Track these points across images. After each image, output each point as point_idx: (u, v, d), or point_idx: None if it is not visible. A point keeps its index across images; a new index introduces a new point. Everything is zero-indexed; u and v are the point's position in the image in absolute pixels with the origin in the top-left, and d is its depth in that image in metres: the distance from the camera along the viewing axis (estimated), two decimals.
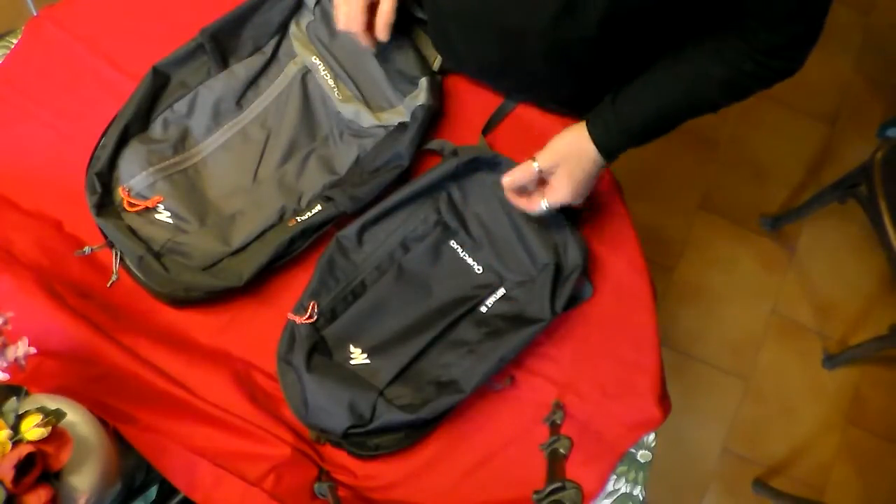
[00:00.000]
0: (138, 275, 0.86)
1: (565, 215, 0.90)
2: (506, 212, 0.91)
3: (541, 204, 0.85)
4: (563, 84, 0.94)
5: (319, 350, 0.86)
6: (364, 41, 0.91)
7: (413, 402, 0.85)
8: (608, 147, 0.84)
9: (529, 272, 0.90)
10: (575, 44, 0.83)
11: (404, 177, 0.95)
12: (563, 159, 0.84)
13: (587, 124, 0.84)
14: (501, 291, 0.90)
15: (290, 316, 0.87)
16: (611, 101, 0.84)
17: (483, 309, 0.90)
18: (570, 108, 0.98)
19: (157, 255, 0.87)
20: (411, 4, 0.98)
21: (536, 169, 0.84)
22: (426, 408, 0.83)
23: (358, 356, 0.87)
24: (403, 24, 0.99)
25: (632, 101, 0.83)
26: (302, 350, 0.85)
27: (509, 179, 0.86)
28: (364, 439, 0.85)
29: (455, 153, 0.92)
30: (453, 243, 0.92)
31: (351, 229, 0.90)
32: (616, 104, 0.84)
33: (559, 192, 0.84)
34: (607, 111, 0.84)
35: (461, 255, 0.91)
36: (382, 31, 0.89)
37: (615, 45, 0.83)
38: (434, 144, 0.95)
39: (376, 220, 0.91)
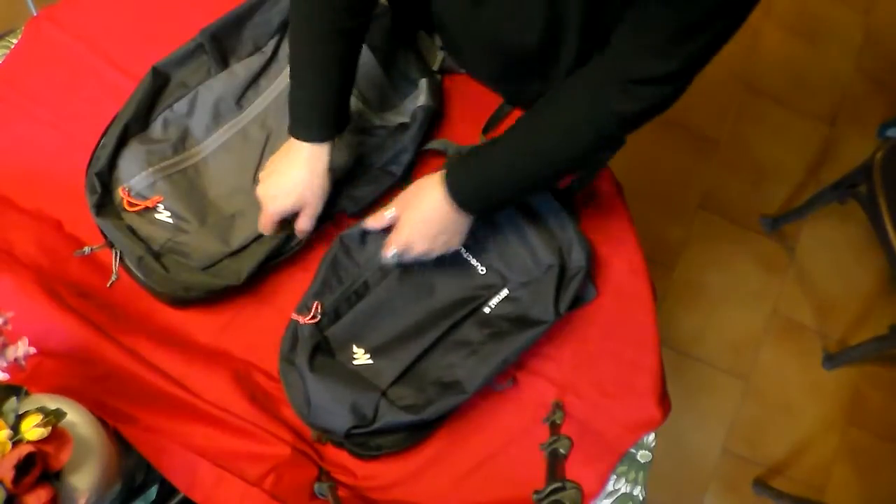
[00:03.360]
0: (138, 275, 0.86)
1: (567, 213, 0.90)
2: (509, 213, 0.91)
3: (389, 249, 0.84)
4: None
5: (322, 350, 0.86)
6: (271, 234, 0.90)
7: (416, 402, 0.85)
8: (458, 190, 0.80)
9: (533, 273, 0.90)
10: (564, 54, 0.82)
11: (406, 177, 0.95)
12: (406, 203, 0.84)
13: (444, 169, 0.82)
14: (505, 292, 0.90)
15: (294, 316, 0.87)
16: (474, 150, 0.82)
17: (486, 310, 0.90)
18: None
19: (157, 255, 0.87)
20: (412, 6, 0.98)
21: (388, 217, 0.85)
22: (429, 409, 0.83)
23: (361, 356, 0.87)
24: (404, 26, 0.99)
25: (488, 151, 0.80)
26: (305, 350, 0.85)
27: (369, 225, 0.87)
28: (366, 439, 0.85)
29: (459, 154, 0.92)
30: None
31: (354, 230, 0.90)
32: (479, 152, 0.81)
33: (400, 235, 0.83)
34: (467, 158, 0.81)
35: (464, 255, 0.91)
36: (300, 234, 0.89)
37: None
38: (437, 144, 0.95)
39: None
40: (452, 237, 0.84)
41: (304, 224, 0.88)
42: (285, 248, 0.89)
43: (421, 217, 0.82)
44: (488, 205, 0.83)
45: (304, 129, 0.83)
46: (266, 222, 0.87)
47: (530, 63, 0.85)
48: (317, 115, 0.83)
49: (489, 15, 0.80)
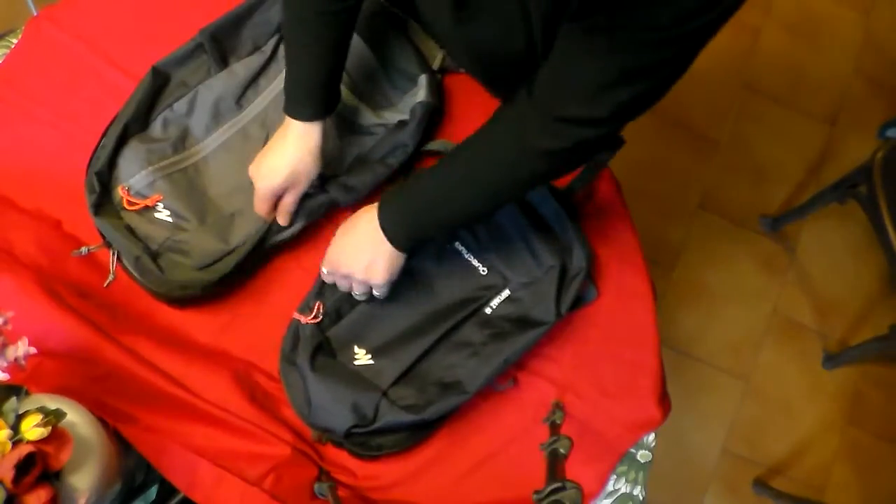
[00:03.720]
0: (135, 274, 0.86)
1: (567, 213, 0.90)
2: (511, 213, 0.91)
3: (322, 265, 0.86)
4: None
5: (324, 350, 0.86)
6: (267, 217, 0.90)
7: (416, 402, 0.85)
8: (388, 221, 0.79)
9: (534, 273, 0.90)
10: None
11: (404, 170, 0.95)
12: (345, 225, 0.84)
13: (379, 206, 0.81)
14: (506, 293, 0.90)
15: (296, 316, 0.87)
16: (405, 183, 0.81)
17: (488, 310, 0.90)
18: None
19: (156, 255, 0.87)
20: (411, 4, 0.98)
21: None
22: (430, 409, 0.83)
23: (362, 357, 0.87)
24: (403, 23, 0.99)
25: (416, 185, 0.79)
26: (306, 350, 0.85)
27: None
28: (366, 439, 0.85)
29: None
30: (458, 244, 0.92)
31: None
32: (408, 186, 0.80)
33: (330, 253, 0.85)
34: (397, 191, 0.80)
35: (466, 256, 0.91)
36: (282, 218, 0.89)
37: None
38: (437, 145, 0.95)
39: None
40: (376, 267, 0.82)
41: (288, 200, 0.88)
42: (276, 235, 0.89)
43: (351, 240, 0.83)
44: (417, 237, 0.81)
45: (293, 106, 0.85)
46: (259, 202, 0.88)
47: (519, 69, 0.85)
48: (305, 94, 0.84)
49: (473, 29, 0.80)
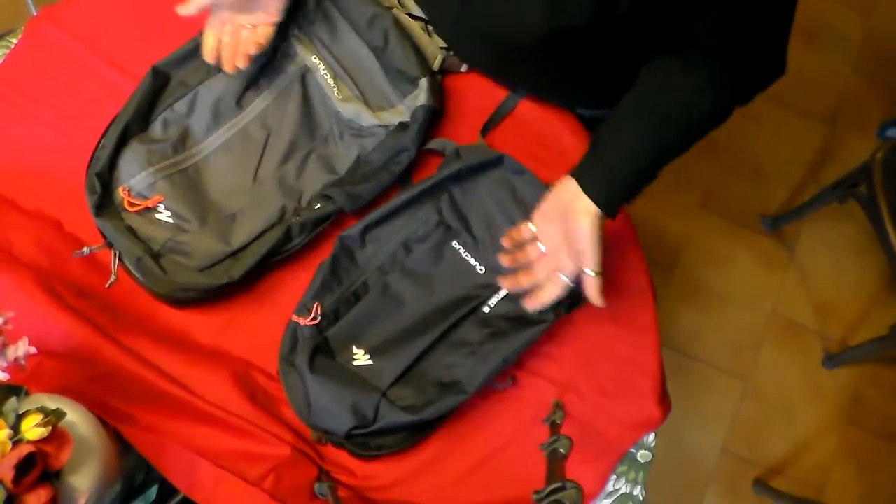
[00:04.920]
0: (136, 275, 0.86)
1: None
2: (507, 212, 0.91)
3: (561, 278, 0.81)
4: (554, 80, 0.94)
5: (322, 351, 0.86)
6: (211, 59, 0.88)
7: (416, 402, 0.85)
8: (608, 201, 0.78)
9: None
10: (562, 41, 0.80)
11: (405, 177, 0.95)
12: (559, 217, 0.80)
13: (579, 182, 0.79)
14: (504, 291, 0.90)
15: (294, 317, 0.87)
16: (597, 155, 0.80)
17: (486, 309, 0.90)
18: (569, 102, 0.99)
19: (157, 256, 0.87)
20: (412, 3, 0.98)
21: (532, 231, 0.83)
22: (429, 409, 0.83)
23: (361, 357, 0.87)
24: (403, 24, 0.99)
25: (622, 150, 0.79)
26: (305, 351, 0.85)
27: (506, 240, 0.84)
28: (367, 440, 0.85)
29: (457, 153, 0.92)
30: (455, 244, 0.92)
31: (353, 230, 0.90)
32: (605, 157, 0.79)
33: (586, 255, 0.79)
34: (597, 165, 0.79)
35: (463, 255, 0.91)
36: (241, 60, 0.87)
37: (604, 37, 0.80)
38: (436, 144, 0.95)
39: (379, 222, 0.90)
40: (600, 250, 0.80)
41: (258, 33, 0.84)
42: (284, 247, 0.89)
43: (593, 236, 0.78)
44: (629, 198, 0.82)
45: None
46: (208, 32, 0.84)
47: (534, 51, 0.85)
48: None
49: (484, 12, 0.80)
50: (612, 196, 0.78)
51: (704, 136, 0.82)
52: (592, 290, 0.80)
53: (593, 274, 0.79)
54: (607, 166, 0.79)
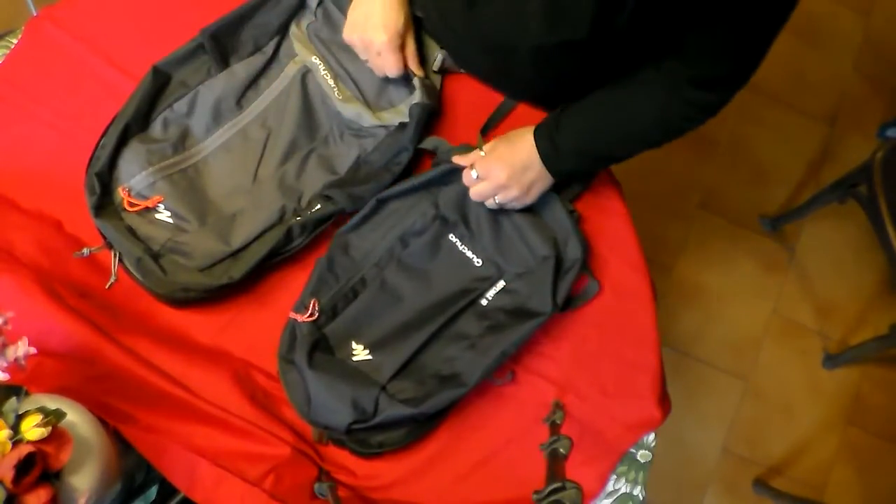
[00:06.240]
0: (136, 276, 0.86)
1: (562, 204, 0.90)
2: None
3: (471, 173, 0.87)
4: (551, 91, 0.94)
5: (321, 347, 0.87)
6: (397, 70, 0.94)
7: (415, 396, 0.85)
8: (550, 160, 0.86)
9: (529, 264, 0.90)
10: (561, 52, 0.83)
11: (404, 175, 0.95)
12: (500, 140, 0.89)
13: (534, 132, 0.88)
14: (501, 283, 0.90)
15: (292, 314, 0.87)
16: (555, 121, 0.87)
17: (484, 302, 0.90)
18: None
19: (157, 256, 0.87)
20: (411, 4, 0.98)
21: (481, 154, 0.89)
22: (429, 402, 0.83)
23: (360, 352, 0.88)
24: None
25: (573, 128, 0.87)
26: (303, 348, 0.85)
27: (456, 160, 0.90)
28: (367, 436, 0.85)
29: (450, 154, 0.92)
30: (452, 237, 0.92)
31: (349, 226, 0.90)
32: (560, 127, 0.87)
33: (489, 164, 0.86)
34: (552, 128, 0.87)
35: (460, 248, 0.91)
36: (415, 63, 0.94)
37: (602, 50, 0.83)
38: (428, 143, 0.95)
39: (374, 217, 0.91)
40: (535, 188, 0.88)
41: (411, 44, 0.92)
42: (285, 247, 0.89)
43: (517, 159, 0.86)
44: (570, 171, 0.89)
45: None
46: (387, 57, 0.90)
47: (534, 57, 0.86)
48: None
49: (487, 17, 0.81)
50: (555, 160, 0.87)
51: (649, 143, 0.88)
52: (467, 174, 0.88)
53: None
54: (559, 134, 0.86)
